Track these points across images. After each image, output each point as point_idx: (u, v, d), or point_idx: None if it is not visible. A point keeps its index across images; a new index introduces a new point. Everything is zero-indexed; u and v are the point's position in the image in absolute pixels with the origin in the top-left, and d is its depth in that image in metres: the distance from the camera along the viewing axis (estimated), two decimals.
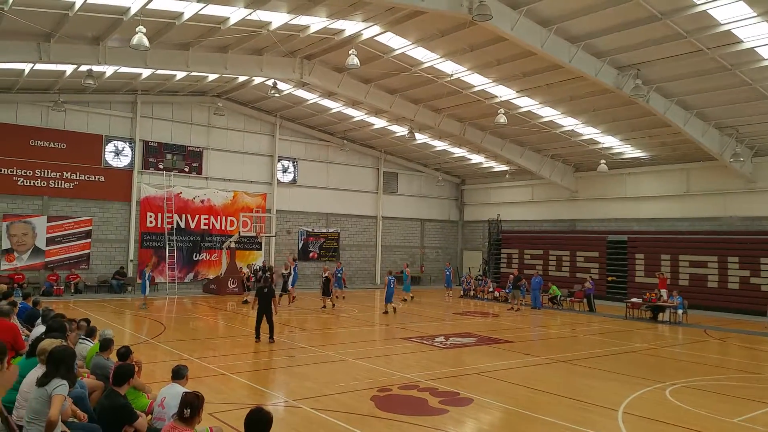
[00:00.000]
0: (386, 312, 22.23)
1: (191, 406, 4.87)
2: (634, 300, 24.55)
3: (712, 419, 9.41)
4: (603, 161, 28.78)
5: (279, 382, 11.72)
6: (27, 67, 21.17)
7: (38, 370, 5.81)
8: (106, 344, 8.10)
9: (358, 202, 36.23)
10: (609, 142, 28.18)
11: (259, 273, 28.86)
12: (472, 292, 30.90)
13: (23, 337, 9.30)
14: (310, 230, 34.24)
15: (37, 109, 25.60)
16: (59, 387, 5.36)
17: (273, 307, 15.80)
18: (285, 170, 33.29)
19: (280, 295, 21.68)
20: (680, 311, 22.42)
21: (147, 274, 22.36)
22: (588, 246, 32.06)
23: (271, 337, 15.37)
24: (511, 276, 27.54)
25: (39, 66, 20.87)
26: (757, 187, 26.39)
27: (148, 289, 22.27)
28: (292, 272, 24.17)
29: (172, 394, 6.31)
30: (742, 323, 22.55)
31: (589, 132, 27.25)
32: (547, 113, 25.42)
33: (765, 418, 9.61)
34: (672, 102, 21.74)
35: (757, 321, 22.90)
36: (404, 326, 18.87)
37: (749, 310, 24.36)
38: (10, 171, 24.89)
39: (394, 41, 20.26)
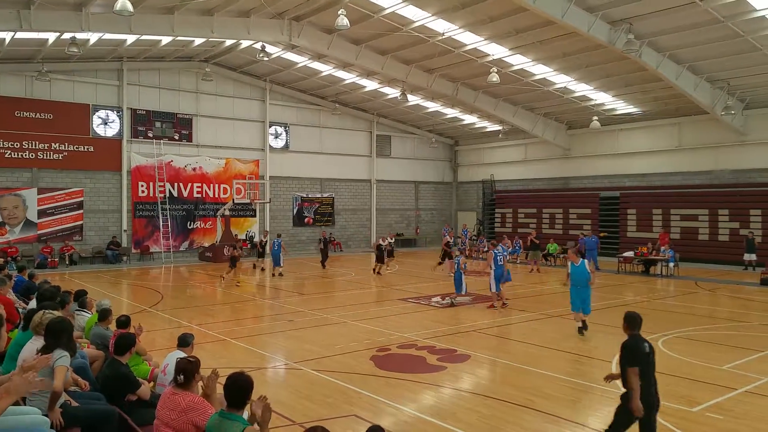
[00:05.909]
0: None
1: (184, 371, 4.93)
2: (626, 255, 24.81)
3: (704, 367, 9.64)
4: (595, 118, 28.68)
5: (279, 346, 11.84)
6: (7, 36, 20.70)
7: (35, 342, 5.83)
8: (104, 314, 8.14)
9: (351, 166, 36.08)
10: (601, 98, 28.03)
11: (322, 243, 26.44)
12: (467, 252, 31.03)
13: (20, 310, 9.34)
14: (305, 195, 34.18)
15: (21, 80, 25.14)
16: (61, 358, 5.40)
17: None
18: (277, 136, 33.01)
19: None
20: (671, 264, 22.70)
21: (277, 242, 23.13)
22: (581, 203, 32.28)
23: None
24: (529, 237, 26.21)
25: (20, 35, 20.44)
26: (747, 140, 26.45)
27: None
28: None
29: (174, 361, 6.37)
30: (732, 274, 22.93)
31: (581, 89, 27.06)
32: (540, 71, 25.17)
33: (754, 364, 9.85)
34: (664, 56, 21.56)
35: (746, 272, 23.30)
36: (401, 287, 19.03)
37: (739, 261, 24.64)
38: None
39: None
